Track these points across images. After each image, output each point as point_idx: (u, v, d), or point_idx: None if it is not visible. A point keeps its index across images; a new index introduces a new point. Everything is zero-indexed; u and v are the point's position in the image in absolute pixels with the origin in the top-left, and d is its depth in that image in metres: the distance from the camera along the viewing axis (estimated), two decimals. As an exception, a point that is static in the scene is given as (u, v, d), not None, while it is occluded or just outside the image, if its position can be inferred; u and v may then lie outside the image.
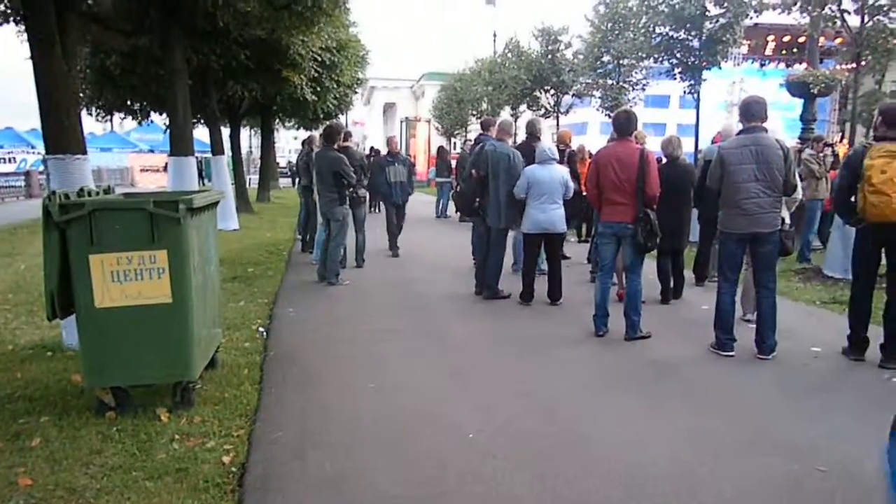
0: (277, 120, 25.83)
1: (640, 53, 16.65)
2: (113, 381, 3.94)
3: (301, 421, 4.09)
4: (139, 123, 20.30)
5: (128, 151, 38.53)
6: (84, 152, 5.64)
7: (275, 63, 14.61)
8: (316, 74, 16.93)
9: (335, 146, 8.48)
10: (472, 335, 6.20)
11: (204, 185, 24.43)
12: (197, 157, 14.03)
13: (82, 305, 3.81)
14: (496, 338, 6.11)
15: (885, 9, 9.42)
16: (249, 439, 3.79)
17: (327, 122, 10.18)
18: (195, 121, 17.60)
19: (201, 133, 21.34)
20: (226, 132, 20.65)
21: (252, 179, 29.83)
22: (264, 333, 6.05)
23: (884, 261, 5.39)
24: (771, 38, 27.00)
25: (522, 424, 4.08)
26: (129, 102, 17.46)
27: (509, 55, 25.57)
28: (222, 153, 16.24)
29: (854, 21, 10.07)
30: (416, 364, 5.30)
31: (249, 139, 49.43)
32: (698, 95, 15.11)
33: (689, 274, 8.17)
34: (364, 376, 4.92)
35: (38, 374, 4.73)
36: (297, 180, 12.41)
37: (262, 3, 9.61)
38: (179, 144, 11.02)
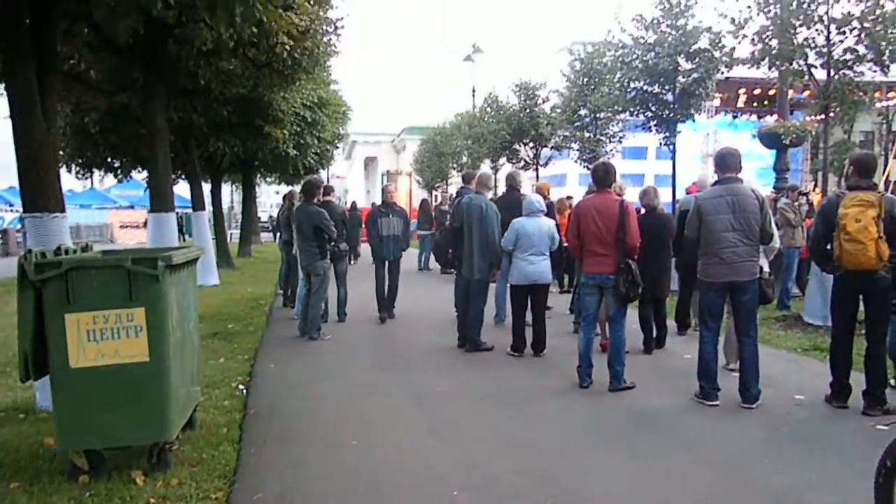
0: (259, 175, 25.92)
1: (615, 107, 17.01)
2: (87, 444, 3.83)
3: (281, 481, 3.99)
4: (119, 181, 20.26)
5: (108, 208, 38.36)
6: (62, 210, 5.60)
7: (256, 119, 14.75)
8: (298, 130, 17.09)
9: (316, 201, 8.52)
10: (455, 389, 6.13)
11: (184, 240, 24.31)
12: (177, 213, 14.00)
13: (56, 366, 3.73)
14: (479, 391, 6.05)
15: (850, 63, 9.76)
16: (228, 502, 3.68)
17: (307, 177, 10.21)
18: (176, 176, 17.61)
19: (182, 188, 21.33)
20: (207, 187, 20.67)
21: (233, 234, 29.76)
22: (244, 391, 5.94)
23: (862, 307, 5.45)
24: (742, 91, 27.81)
25: (507, 481, 4.00)
26: (109, 160, 17.46)
27: (488, 109, 26.04)
28: (203, 208, 16.19)
29: (821, 74, 10.41)
30: (399, 420, 5.22)
31: (231, 194, 49.41)
32: (674, 147, 15.42)
33: (671, 323, 8.20)
34: (346, 433, 4.83)
35: (9, 437, 4.59)
36: (278, 235, 12.37)
37: (243, 62, 9.76)
38: (160, 200, 10.99)
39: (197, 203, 16.07)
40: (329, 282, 8.68)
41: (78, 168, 18.13)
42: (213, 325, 8.74)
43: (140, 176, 19.68)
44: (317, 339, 8.21)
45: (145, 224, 15.55)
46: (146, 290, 3.78)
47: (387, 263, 9.59)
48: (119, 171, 18.43)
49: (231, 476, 4.01)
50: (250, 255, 21.78)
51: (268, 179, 28.73)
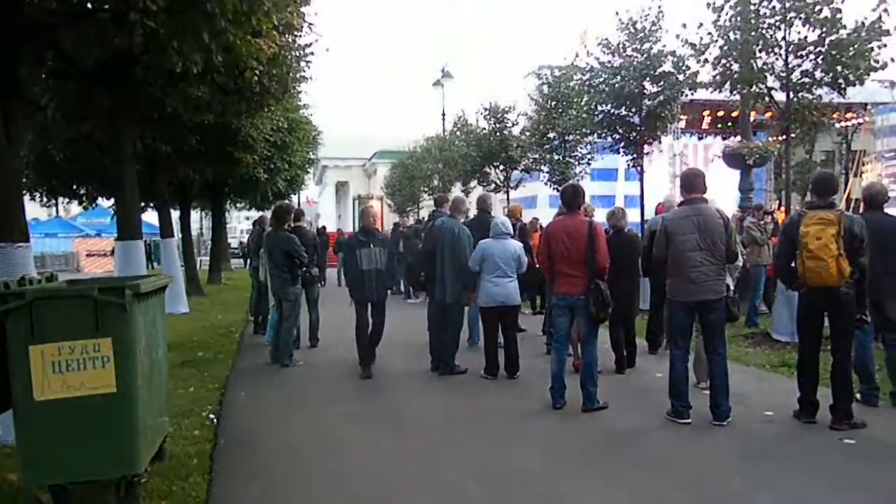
0: (229, 200, 25.75)
1: (583, 130, 17.24)
2: (52, 479, 3.73)
3: (253, 512, 3.92)
4: (85, 208, 19.96)
5: (73, 236, 37.70)
6: (27, 240, 5.51)
7: (226, 145, 14.67)
8: (268, 155, 17.02)
9: (286, 226, 8.48)
10: (429, 413, 6.10)
11: (153, 268, 23.97)
12: (145, 241, 13.81)
13: (20, 399, 3.63)
14: (453, 415, 6.03)
15: (808, 86, 10.06)
16: (198, 535, 3.61)
17: (278, 203, 10.13)
18: (144, 204, 17.40)
19: (150, 216, 21.09)
20: (176, 214, 20.46)
21: (203, 261, 29.43)
22: (215, 420, 5.85)
23: (827, 323, 5.56)
24: (707, 112, 28.35)
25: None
26: (74, 187, 17.21)
27: (458, 133, 26.20)
28: (172, 235, 16.02)
29: (781, 97, 10.71)
30: (373, 447, 5.18)
31: (200, 220, 48.96)
32: (641, 168, 15.65)
33: (642, 342, 8.27)
34: (319, 462, 4.77)
35: (-30, 474, 4.45)
36: (248, 261, 12.26)
37: (211, 88, 9.70)
38: (127, 228, 10.83)
39: (165, 230, 15.89)
40: (301, 308, 8.61)
41: (42, 195, 17.85)
42: (183, 354, 8.61)
43: (106, 203, 19.43)
44: (289, 366, 8.12)
45: (112, 252, 15.33)
46: (113, 320, 3.71)
47: (370, 306, 7.88)
48: (84, 199, 18.17)
49: (201, 508, 3.94)
50: (220, 282, 21.54)
51: (238, 205, 28.52)
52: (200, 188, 19.32)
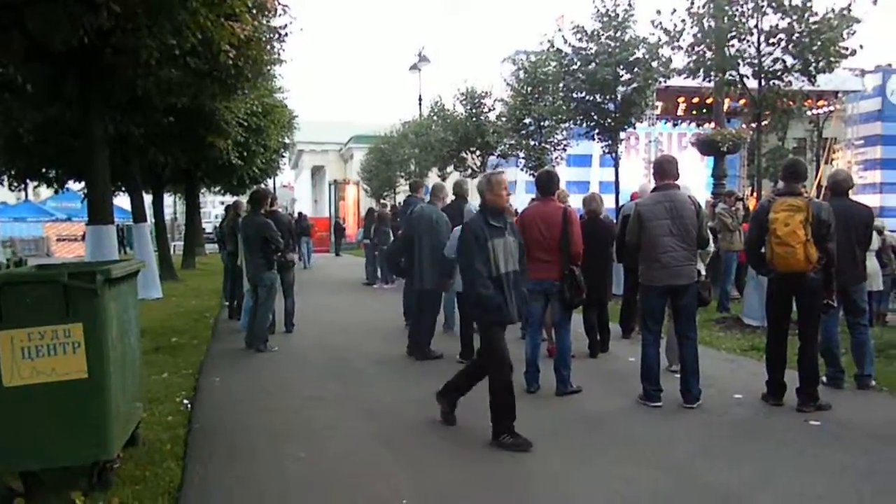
0: (203, 185, 25.47)
1: (559, 116, 17.31)
2: (22, 465, 3.71)
3: (227, 497, 3.93)
4: (55, 192, 19.62)
5: (43, 221, 37.04)
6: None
7: (199, 129, 14.49)
8: (242, 139, 16.84)
9: (262, 211, 8.43)
10: (404, 399, 6.13)
11: (126, 253, 23.68)
12: (118, 225, 13.62)
13: (-11, 385, 3.60)
14: (429, 400, 6.03)
15: (779, 73, 10.21)
16: (172, 520, 3.61)
17: (254, 188, 10.05)
18: (115, 188, 17.15)
19: (122, 200, 20.78)
20: (148, 198, 20.19)
21: (177, 246, 29.12)
22: (189, 406, 5.82)
23: (796, 308, 5.67)
24: (681, 99, 28.56)
25: (456, 488, 4.03)
26: (44, 170, 16.90)
27: (435, 118, 26.15)
28: (145, 220, 15.83)
29: (753, 84, 10.85)
30: (349, 431, 5.20)
31: (174, 205, 48.35)
32: (616, 155, 15.77)
33: (615, 327, 8.37)
34: (294, 446, 4.78)
35: (-61, 461, 4.40)
36: (222, 246, 12.12)
37: (184, 71, 9.57)
38: (98, 213, 10.69)
39: (138, 214, 15.70)
40: (276, 293, 8.58)
41: (11, 179, 17.50)
42: (156, 340, 8.54)
43: (77, 187, 19.11)
44: (264, 352, 8.10)
45: (83, 237, 15.11)
46: (84, 306, 3.68)
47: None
48: (55, 182, 17.85)
49: (175, 493, 3.93)
50: (195, 267, 21.35)
51: (213, 190, 28.23)
52: (174, 172, 19.07)
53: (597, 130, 15.88)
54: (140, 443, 4.64)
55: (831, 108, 30.24)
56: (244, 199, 11.49)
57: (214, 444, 4.85)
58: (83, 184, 15.45)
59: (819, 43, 9.83)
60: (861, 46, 10.19)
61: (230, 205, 11.69)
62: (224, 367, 7.37)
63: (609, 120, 15.48)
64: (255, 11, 9.23)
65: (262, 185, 20.74)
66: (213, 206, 70.15)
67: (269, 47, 10.57)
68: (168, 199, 35.42)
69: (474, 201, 8.73)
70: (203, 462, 4.47)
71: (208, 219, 51.24)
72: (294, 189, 62.80)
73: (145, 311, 10.04)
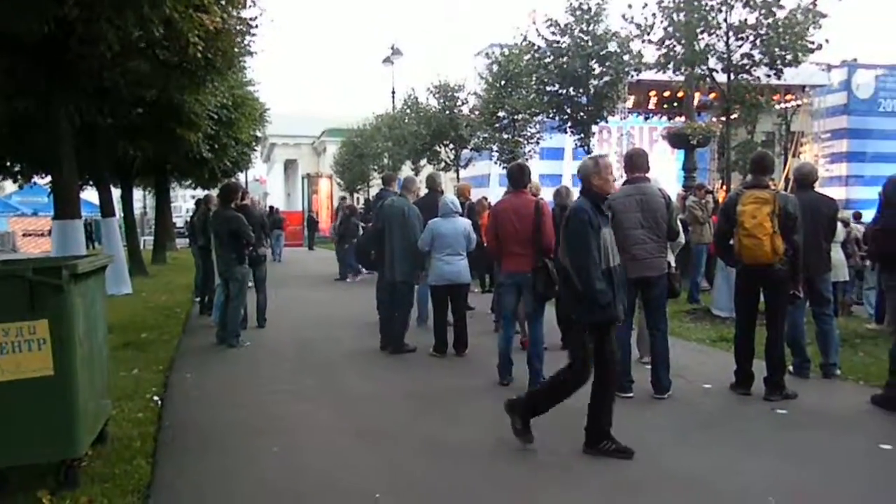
0: (173, 179, 25.13)
1: (532, 109, 17.35)
2: (-13, 465, 3.64)
3: (199, 493, 3.90)
4: (20, 186, 19.22)
5: (8, 215, 36.24)
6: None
7: (169, 121, 14.27)
8: (213, 132, 16.63)
9: (233, 205, 8.34)
10: (378, 392, 6.13)
11: (94, 248, 23.28)
12: (86, 220, 13.37)
13: (-49, 384, 3.52)
14: (401, 393, 6.07)
15: (747, 67, 10.37)
16: (142, 517, 3.57)
17: (224, 181, 9.94)
18: (83, 182, 16.84)
19: (90, 194, 20.44)
20: (117, 192, 19.87)
21: (147, 241, 28.72)
22: (159, 402, 5.76)
23: (763, 299, 5.77)
24: (653, 93, 28.78)
25: (429, 480, 4.05)
26: (8, 164, 16.54)
27: (408, 111, 26.07)
28: (113, 214, 15.56)
29: (722, 78, 11.00)
30: (323, 425, 5.19)
31: (144, 199, 47.64)
32: (588, 148, 15.87)
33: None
34: (266, 441, 4.75)
35: None
36: (193, 240, 11.97)
37: (153, 63, 9.41)
38: (65, 207, 10.48)
39: (106, 209, 15.44)
40: (248, 287, 8.51)
41: (-26, 174, 17.13)
42: (126, 336, 8.41)
43: (43, 181, 18.74)
44: (236, 347, 8.03)
45: (50, 232, 14.81)
46: (49, 301, 3.61)
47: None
48: (20, 177, 17.49)
49: (145, 491, 3.89)
50: (165, 262, 21.09)
51: (183, 183, 27.87)
52: (143, 166, 18.79)
53: (569, 124, 15.96)
54: (109, 440, 4.58)
55: (799, 102, 30.67)
56: (215, 192, 11.35)
57: (185, 440, 4.81)
58: (49, 178, 15.14)
59: (786, 38, 10.01)
60: (827, 41, 10.38)
61: (201, 199, 11.56)
62: (195, 363, 7.30)
63: (582, 113, 15.55)
64: (224, 3, 9.10)
65: (234, 179, 20.56)
66: (184, 200, 69.36)
67: (239, 39, 10.44)
68: (138, 194, 34.80)
69: (449, 194, 8.76)
70: (174, 459, 4.43)
71: (179, 213, 50.64)
72: (266, 183, 62.22)
73: (114, 306, 9.90)
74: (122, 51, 8.31)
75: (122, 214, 19.80)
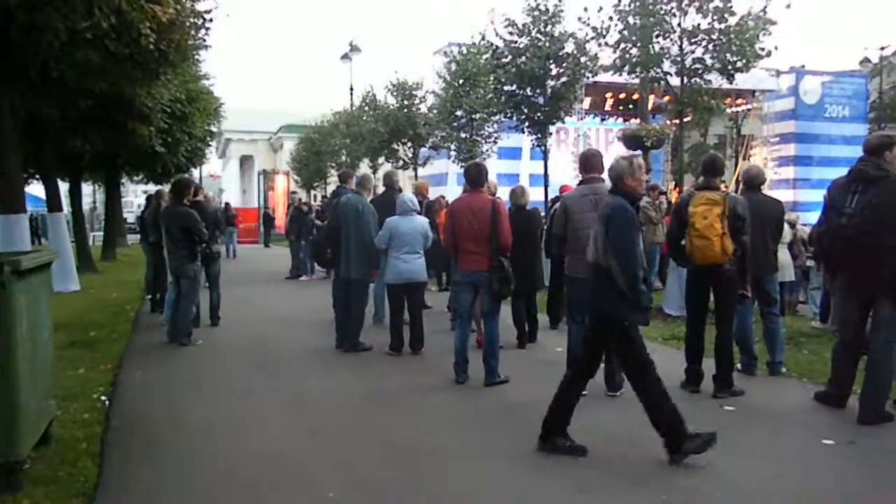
0: (124, 173, 24.55)
1: (490, 109, 17.44)
2: (-78, 469, 3.50)
3: (147, 496, 3.81)
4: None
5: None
6: None
7: (119, 114, 13.92)
8: (165, 126, 16.30)
9: (185, 201, 8.18)
10: (333, 390, 6.08)
11: (40, 244, 22.59)
12: (31, 215, 12.96)
13: None
14: (357, 392, 6.03)
15: (699, 72, 10.62)
16: (87, 521, 3.48)
17: (177, 177, 9.73)
18: (29, 175, 16.33)
19: (36, 188, 19.82)
20: (65, 187, 19.32)
21: (97, 236, 28.00)
22: (107, 402, 5.61)
23: (713, 298, 5.90)
24: (609, 95, 29.18)
25: (383, 479, 4.03)
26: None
27: (366, 108, 25.94)
28: (60, 209, 15.13)
29: (676, 81, 11.22)
30: (275, 424, 5.12)
31: (94, 194, 46.40)
32: (545, 148, 16.01)
33: (543, 317, 8.51)
34: (219, 441, 4.68)
35: None
36: (144, 236, 11.69)
37: (102, 54, 9.16)
38: (8, 201, 10.15)
39: (53, 203, 15.00)
40: (200, 285, 8.35)
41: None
42: (73, 334, 8.18)
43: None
44: (187, 345, 7.88)
45: (-7, 227, 14.30)
46: (-10, 299, 3.49)
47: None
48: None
49: (91, 493, 3.79)
50: (115, 258, 20.57)
51: (135, 178, 27.23)
52: (93, 159, 18.30)
53: (527, 123, 16.09)
54: (53, 441, 4.44)
55: (749, 106, 31.47)
56: (167, 188, 11.11)
57: (133, 441, 4.70)
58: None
59: (737, 43, 10.27)
60: (776, 48, 10.70)
61: (153, 194, 11.31)
62: (145, 362, 7.13)
63: (539, 113, 15.69)
64: (177, -7, 8.93)
65: (187, 175, 20.17)
66: (136, 195, 67.65)
67: (192, 32, 10.24)
68: (87, 188, 33.95)
69: (407, 192, 8.75)
70: (121, 460, 4.32)
71: (130, 208, 49.35)
72: (221, 178, 61.22)
73: (61, 304, 9.64)
74: (69, 41, 8.07)
75: (71, 209, 19.27)
